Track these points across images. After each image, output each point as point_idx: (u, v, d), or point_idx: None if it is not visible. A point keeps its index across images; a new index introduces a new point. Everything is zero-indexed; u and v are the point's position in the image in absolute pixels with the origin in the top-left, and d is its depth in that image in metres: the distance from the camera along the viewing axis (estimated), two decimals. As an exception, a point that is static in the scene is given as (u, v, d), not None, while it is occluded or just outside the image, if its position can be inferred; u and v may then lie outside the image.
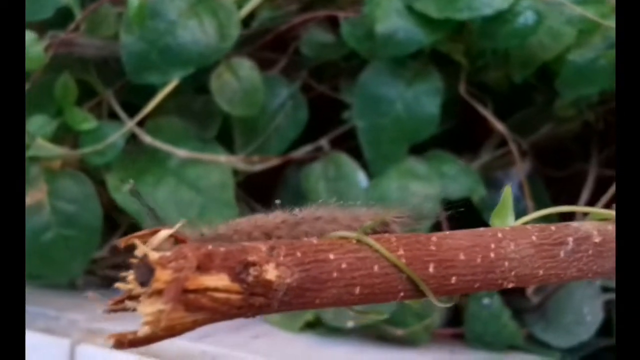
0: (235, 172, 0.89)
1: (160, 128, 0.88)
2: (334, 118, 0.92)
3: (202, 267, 0.32)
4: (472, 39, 0.86)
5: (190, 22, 0.82)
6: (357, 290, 0.34)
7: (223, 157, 0.87)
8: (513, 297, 0.88)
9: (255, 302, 0.32)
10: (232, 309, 0.32)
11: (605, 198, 0.86)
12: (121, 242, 0.33)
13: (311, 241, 0.35)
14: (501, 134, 0.87)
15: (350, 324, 0.84)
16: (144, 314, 0.31)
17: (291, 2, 0.89)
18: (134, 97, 0.91)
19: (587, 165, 0.89)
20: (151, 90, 0.88)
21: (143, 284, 0.31)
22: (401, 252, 0.35)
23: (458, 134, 0.90)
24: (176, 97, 0.89)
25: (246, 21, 0.88)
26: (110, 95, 0.89)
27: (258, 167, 0.89)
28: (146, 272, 0.31)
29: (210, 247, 0.33)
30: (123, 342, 0.32)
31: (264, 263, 0.33)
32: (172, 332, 0.32)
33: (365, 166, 0.88)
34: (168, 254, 0.32)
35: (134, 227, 0.95)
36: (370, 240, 0.35)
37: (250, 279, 0.32)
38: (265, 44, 0.91)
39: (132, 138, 0.89)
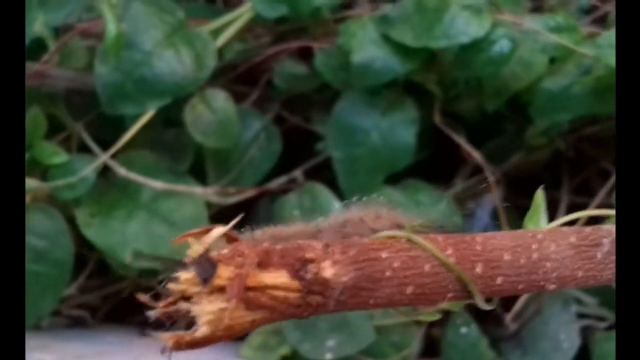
0: (209, 205, 0.88)
1: (132, 161, 0.87)
2: (307, 149, 0.92)
3: (262, 264, 0.31)
4: (445, 69, 0.87)
5: (167, 53, 0.81)
6: (409, 290, 0.34)
7: (197, 189, 0.85)
8: (490, 325, 0.89)
9: (312, 301, 0.32)
10: (290, 307, 0.31)
11: (578, 224, 0.87)
12: (175, 241, 0.32)
13: (362, 240, 0.34)
14: (475, 163, 0.87)
15: (328, 356, 0.83)
16: (203, 313, 0.30)
17: (264, 33, 0.89)
18: (102, 132, 0.89)
19: (558, 192, 0.90)
20: (120, 124, 0.87)
21: (205, 280, 0.30)
22: (450, 251, 0.35)
23: (432, 163, 0.91)
24: (146, 131, 0.88)
25: (218, 54, 0.87)
26: (80, 129, 0.87)
27: (232, 199, 0.88)
28: (207, 269, 0.30)
29: (266, 244, 0.32)
30: (181, 343, 0.30)
31: (321, 261, 0.32)
32: (231, 332, 0.31)
33: (340, 197, 0.87)
34: (225, 251, 0.31)
35: (101, 263, 0.93)
36: (420, 239, 0.35)
37: (309, 276, 0.31)
38: (238, 76, 0.90)
39: (102, 173, 0.87)
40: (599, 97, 0.80)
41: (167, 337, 0.31)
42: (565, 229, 0.39)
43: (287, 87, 0.90)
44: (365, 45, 0.83)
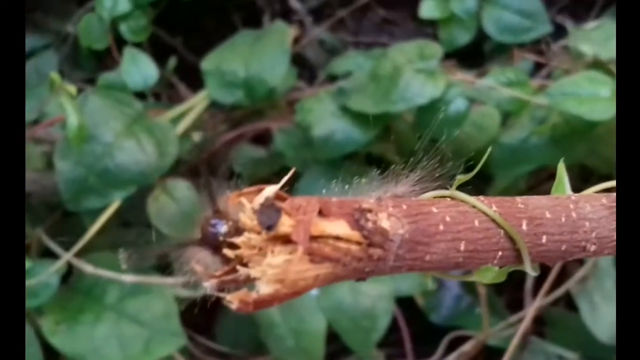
0: (178, 300, 0.85)
1: (95, 262, 0.84)
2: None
3: (322, 214, 0.30)
4: (402, 138, 0.88)
5: (128, 143, 0.80)
6: (462, 245, 0.33)
7: (169, 280, 0.83)
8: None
9: (373, 253, 0.31)
10: (353, 260, 0.30)
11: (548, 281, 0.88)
12: (229, 198, 0.31)
13: (410, 198, 0.34)
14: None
15: None
16: (268, 268, 0.29)
17: (221, 121, 0.89)
18: (62, 238, 0.87)
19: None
20: (80, 229, 0.84)
21: (269, 228, 0.29)
22: (495, 208, 0.34)
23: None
24: (106, 234, 0.86)
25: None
26: (41, 234, 0.84)
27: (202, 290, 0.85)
28: (271, 216, 0.29)
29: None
30: (248, 303, 0.29)
31: (378, 211, 0.31)
32: (295, 288, 0.29)
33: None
34: (284, 204, 0.30)
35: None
36: (466, 196, 0.34)
37: (369, 224, 0.30)
38: (197, 166, 0.90)
39: (65, 279, 0.84)
40: (556, 145, 0.82)
41: (232, 298, 0.29)
42: (594, 193, 0.39)
43: (248, 173, 0.89)
44: (324, 119, 0.84)
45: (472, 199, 0.34)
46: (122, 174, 0.80)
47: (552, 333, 0.92)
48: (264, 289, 0.29)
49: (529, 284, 0.91)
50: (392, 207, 0.32)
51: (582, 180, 0.92)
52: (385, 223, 0.31)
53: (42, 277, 0.80)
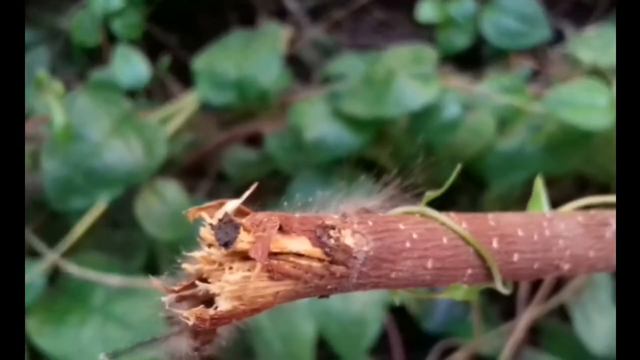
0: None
1: (82, 263, 0.83)
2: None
3: (283, 230, 0.29)
4: (396, 142, 0.87)
5: (116, 143, 0.79)
6: (430, 263, 0.32)
7: (157, 283, 0.81)
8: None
9: (336, 271, 0.30)
10: (314, 277, 0.29)
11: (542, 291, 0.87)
12: (189, 213, 0.30)
13: (377, 214, 0.33)
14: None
15: None
16: (226, 285, 0.28)
17: (212, 123, 0.88)
18: (48, 238, 0.86)
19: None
20: (67, 228, 0.84)
21: (227, 244, 0.28)
22: (465, 225, 0.34)
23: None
24: (94, 233, 0.85)
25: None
26: (27, 233, 0.83)
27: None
28: (229, 233, 0.28)
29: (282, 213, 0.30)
30: (205, 319, 0.28)
31: (341, 228, 0.30)
32: (254, 305, 0.28)
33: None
34: (243, 220, 0.29)
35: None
36: (435, 212, 0.33)
37: (332, 242, 0.29)
38: (187, 167, 0.89)
39: (52, 279, 0.83)
40: (552, 153, 0.81)
41: (189, 314, 0.28)
42: (570, 211, 0.38)
43: (239, 175, 0.88)
44: (317, 122, 0.82)
45: (441, 216, 0.33)
46: (109, 174, 0.79)
47: (545, 343, 0.91)
48: (223, 305, 0.28)
49: (522, 293, 0.90)
50: (357, 223, 0.31)
51: (578, 189, 0.91)
52: (349, 240, 0.30)
53: (27, 277, 0.79)
